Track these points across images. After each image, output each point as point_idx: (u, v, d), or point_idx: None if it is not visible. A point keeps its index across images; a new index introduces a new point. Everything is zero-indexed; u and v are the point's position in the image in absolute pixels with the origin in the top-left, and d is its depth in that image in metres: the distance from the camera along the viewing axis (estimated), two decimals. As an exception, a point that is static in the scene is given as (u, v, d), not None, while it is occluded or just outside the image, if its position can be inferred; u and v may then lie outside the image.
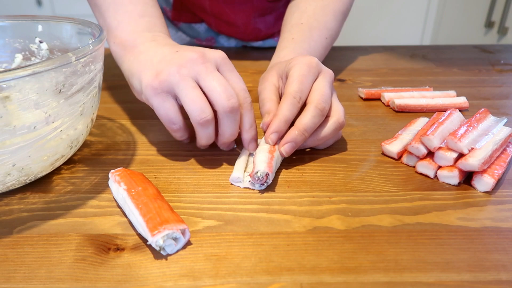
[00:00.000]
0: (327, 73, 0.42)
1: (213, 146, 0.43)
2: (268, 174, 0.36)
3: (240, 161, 0.39)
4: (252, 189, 0.37)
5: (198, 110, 0.35)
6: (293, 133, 0.38)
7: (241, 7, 0.70)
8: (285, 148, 0.38)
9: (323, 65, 0.43)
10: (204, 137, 0.38)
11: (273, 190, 0.37)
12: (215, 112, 0.37)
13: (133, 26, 0.44)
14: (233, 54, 0.76)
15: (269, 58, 0.72)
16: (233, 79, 0.38)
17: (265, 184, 0.36)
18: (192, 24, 0.77)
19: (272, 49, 0.77)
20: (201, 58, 0.37)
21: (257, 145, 0.40)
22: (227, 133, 0.38)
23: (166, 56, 0.38)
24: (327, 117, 0.40)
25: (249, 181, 0.37)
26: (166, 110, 0.37)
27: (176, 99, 0.37)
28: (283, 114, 0.38)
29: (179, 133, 0.40)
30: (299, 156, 0.42)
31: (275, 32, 0.77)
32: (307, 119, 0.38)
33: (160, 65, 0.37)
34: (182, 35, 0.79)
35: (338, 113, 0.40)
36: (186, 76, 0.36)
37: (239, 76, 0.39)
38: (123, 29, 0.44)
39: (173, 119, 0.37)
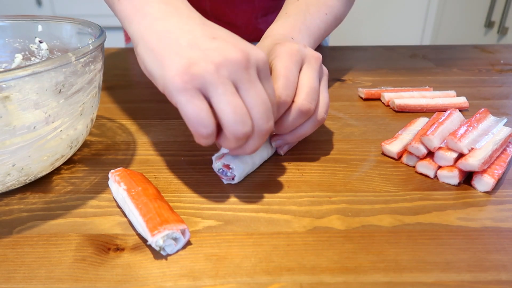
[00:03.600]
0: (313, 59, 0.38)
1: (215, 145, 0.43)
2: (234, 175, 0.36)
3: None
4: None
5: (240, 123, 0.29)
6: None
7: (242, 8, 0.70)
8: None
9: (308, 49, 0.39)
10: (235, 149, 0.33)
11: (273, 190, 0.37)
12: None
13: None
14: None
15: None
16: (269, 90, 0.33)
17: (232, 180, 0.37)
18: None
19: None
20: (245, 61, 0.30)
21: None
22: (252, 151, 0.33)
23: (198, 41, 0.30)
24: None
25: (218, 170, 0.38)
26: (197, 110, 0.29)
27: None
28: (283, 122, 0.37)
29: (207, 140, 0.31)
30: (299, 156, 0.42)
31: None
32: (288, 120, 0.37)
33: (192, 53, 0.30)
34: None
35: (320, 108, 0.38)
36: (226, 78, 0.29)
37: (272, 85, 0.34)
38: None
39: (205, 121, 0.29)
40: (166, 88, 0.30)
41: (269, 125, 0.31)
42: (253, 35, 0.76)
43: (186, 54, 0.30)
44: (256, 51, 0.32)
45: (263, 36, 0.46)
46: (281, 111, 0.36)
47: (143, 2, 0.34)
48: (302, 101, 0.36)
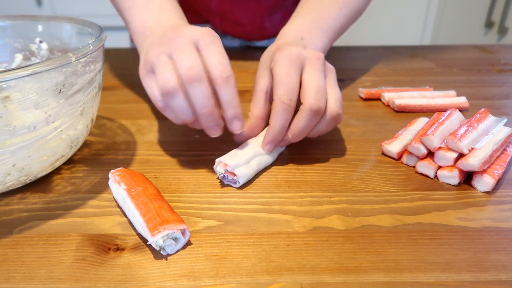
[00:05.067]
0: (313, 59, 0.39)
1: (215, 145, 0.43)
2: (235, 175, 0.36)
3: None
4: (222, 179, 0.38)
5: (163, 80, 0.35)
6: (287, 137, 0.38)
7: (249, 6, 0.69)
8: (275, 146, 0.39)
9: (308, 50, 0.40)
10: (174, 113, 0.38)
11: (273, 190, 0.37)
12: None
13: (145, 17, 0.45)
14: (237, 54, 0.76)
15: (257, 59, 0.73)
16: (208, 53, 0.36)
17: (236, 183, 0.37)
18: (196, 25, 0.76)
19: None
20: (176, 36, 0.37)
21: (241, 125, 0.37)
22: (197, 107, 0.36)
23: (155, 41, 0.39)
24: None
25: (219, 174, 0.37)
26: (151, 88, 0.37)
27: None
28: (277, 124, 0.37)
29: (169, 113, 0.38)
30: (299, 156, 0.42)
31: (279, 31, 0.77)
32: (301, 123, 0.37)
33: (148, 50, 0.38)
34: None
35: (331, 104, 0.38)
36: (161, 53, 0.36)
37: (218, 50, 0.36)
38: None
39: (157, 96, 0.37)
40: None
41: (191, 71, 0.34)
42: (258, 34, 0.75)
43: (145, 53, 0.39)
44: (194, 28, 0.38)
45: (276, 38, 0.47)
46: (287, 116, 0.37)
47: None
48: (310, 101, 0.36)
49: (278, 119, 0.37)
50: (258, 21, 0.72)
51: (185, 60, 0.35)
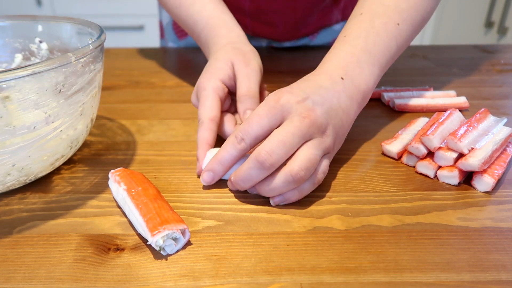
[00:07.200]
0: (296, 117, 0.33)
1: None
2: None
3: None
4: None
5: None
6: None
7: (284, 6, 0.68)
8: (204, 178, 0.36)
9: (298, 104, 0.34)
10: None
11: (273, 190, 0.37)
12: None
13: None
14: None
15: (282, 59, 0.72)
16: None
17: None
18: None
19: (301, 49, 0.77)
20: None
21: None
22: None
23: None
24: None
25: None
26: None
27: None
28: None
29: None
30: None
31: (311, 31, 0.76)
32: (241, 169, 0.33)
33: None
34: None
35: (294, 162, 0.32)
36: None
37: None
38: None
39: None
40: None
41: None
42: (290, 34, 0.74)
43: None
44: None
45: (319, 66, 0.40)
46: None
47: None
48: (257, 151, 0.32)
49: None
50: (292, 21, 0.71)
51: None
